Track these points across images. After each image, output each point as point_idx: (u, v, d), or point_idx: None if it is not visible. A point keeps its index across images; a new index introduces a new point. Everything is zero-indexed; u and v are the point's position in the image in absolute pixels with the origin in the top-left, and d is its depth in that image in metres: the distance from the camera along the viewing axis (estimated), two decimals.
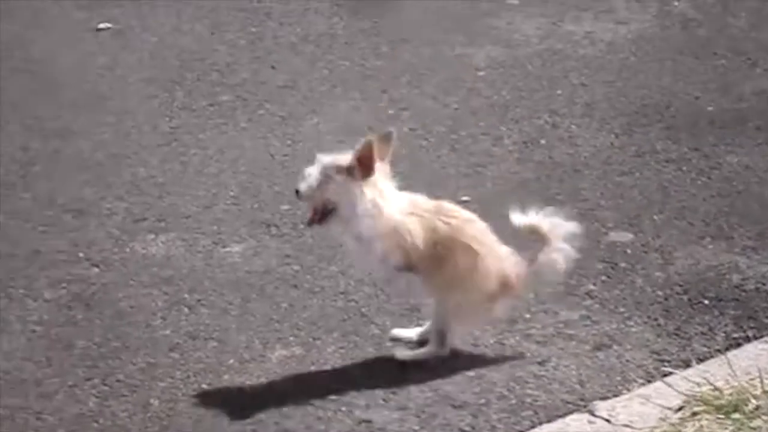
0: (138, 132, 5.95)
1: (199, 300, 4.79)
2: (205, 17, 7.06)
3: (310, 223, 4.48)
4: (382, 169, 4.40)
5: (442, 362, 4.42)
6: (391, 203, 4.40)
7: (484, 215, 5.26)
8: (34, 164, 5.64)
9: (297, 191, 4.43)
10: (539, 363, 4.43)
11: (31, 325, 4.62)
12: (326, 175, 4.38)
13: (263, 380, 4.37)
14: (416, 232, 4.38)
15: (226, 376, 4.39)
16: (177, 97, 6.25)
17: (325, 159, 4.41)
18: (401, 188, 4.48)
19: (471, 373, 4.38)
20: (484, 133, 5.92)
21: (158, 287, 4.85)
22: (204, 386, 4.34)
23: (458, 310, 4.41)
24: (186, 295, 4.81)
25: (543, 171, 5.60)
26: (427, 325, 4.52)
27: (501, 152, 5.77)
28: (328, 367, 4.43)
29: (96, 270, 4.96)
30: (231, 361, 4.46)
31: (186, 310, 4.73)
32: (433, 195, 5.37)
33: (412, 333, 4.55)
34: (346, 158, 4.38)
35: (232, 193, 5.48)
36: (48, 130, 5.96)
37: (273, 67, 6.55)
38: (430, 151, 5.79)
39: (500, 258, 4.42)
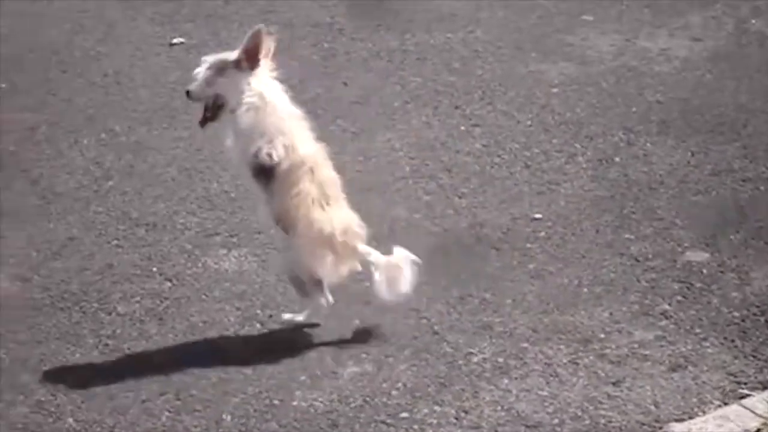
0: (210, 147, 5.96)
1: (271, 315, 4.78)
2: (278, 33, 7.04)
3: (203, 122, 4.61)
4: (267, 65, 4.57)
5: (515, 380, 4.39)
6: (278, 101, 4.56)
7: (558, 233, 5.26)
8: (108, 178, 5.67)
9: (187, 92, 4.59)
10: (614, 383, 4.38)
11: (104, 339, 4.64)
12: (214, 70, 4.53)
13: (335, 397, 4.35)
14: (297, 141, 4.50)
15: (298, 392, 4.38)
16: None
17: (211, 58, 4.58)
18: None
19: (544, 393, 4.34)
20: (557, 150, 5.88)
21: (230, 302, 4.85)
22: (276, 402, 4.33)
23: (298, 250, 4.50)
24: (258, 311, 4.81)
25: (617, 189, 5.55)
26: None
27: (575, 169, 5.72)
28: (399, 385, 4.40)
29: (169, 284, 4.97)
30: (303, 377, 4.45)
31: (258, 325, 4.73)
32: (507, 212, 5.39)
33: (301, 317, 4.69)
34: (232, 54, 4.56)
35: None
36: (121, 145, 5.99)
37: (345, 83, 6.55)
38: (503, 168, 5.76)
39: (346, 216, 4.56)
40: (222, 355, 4.55)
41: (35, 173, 5.74)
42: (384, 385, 4.40)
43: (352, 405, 4.31)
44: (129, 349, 4.59)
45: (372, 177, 5.71)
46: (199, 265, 5.09)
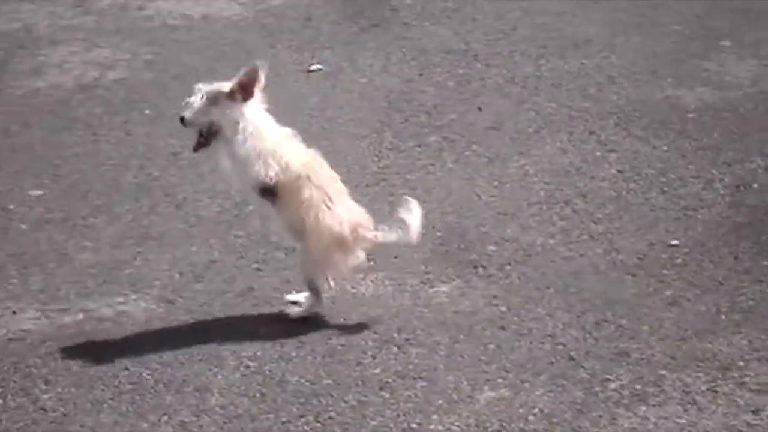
0: (347, 172, 6.02)
1: (407, 339, 4.84)
2: (413, 59, 7.15)
3: (197, 148, 4.92)
4: (259, 97, 4.89)
5: (653, 408, 4.38)
6: (270, 126, 4.90)
7: (695, 260, 5.23)
8: (248, 203, 5.77)
9: (182, 119, 4.86)
10: (753, 412, 4.35)
11: (245, 360, 4.74)
12: (209, 99, 4.83)
13: (472, 421, 4.38)
14: (290, 157, 4.85)
15: (435, 416, 4.42)
16: (385, 138, 6.35)
17: (205, 87, 4.87)
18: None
19: (682, 421, 4.32)
20: (694, 176, 5.85)
21: (368, 326, 4.92)
22: (413, 426, 4.38)
23: (313, 254, 4.82)
24: (395, 335, 4.86)
25: (756, 216, 5.50)
26: None
27: (712, 195, 5.69)
28: (536, 411, 4.42)
29: None
30: (440, 401, 4.49)
31: (395, 349, 4.79)
32: (643, 238, 5.38)
33: (302, 297, 4.95)
34: (226, 84, 4.85)
35: (439, 234, 5.52)
36: None
37: (480, 109, 6.60)
38: (639, 194, 5.74)
39: (351, 209, 4.88)
40: (360, 378, 4.62)
41: (179, 198, 5.89)
42: (521, 410, 4.43)
43: (489, 430, 4.34)
44: (269, 370, 4.68)
45: (506, 202, 5.74)
46: (337, 288, 5.16)
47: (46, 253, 5.44)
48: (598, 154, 6.11)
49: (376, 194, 5.85)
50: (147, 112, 6.69)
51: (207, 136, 4.88)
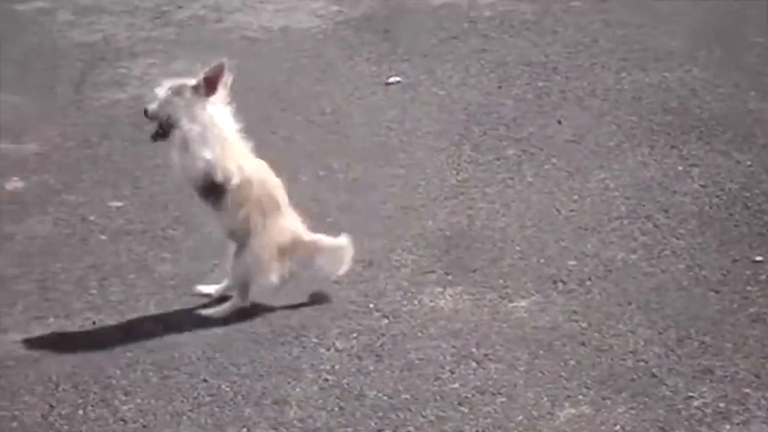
0: (426, 184, 6.03)
1: (486, 354, 4.80)
2: (492, 72, 7.12)
3: (154, 138, 5.05)
4: (223, 95, 5.01)
5: (737, 426, 4.30)
6: (228, 123, 5.02)
7: None
8: (326, 215, 5.77)
9: (145, 110, 5.02)
10: None
11: (323, 374, 4.72)
12: (173, 91, 4.98)
13: None
14: (243, 160, 5.01)
15: None
16: (464, 151, 6.31)
17: (171, 81, 5.03)
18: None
19: None
20: None
21: (446, 340, 4.89)
22: None
23: (256, 260, 4.99)
24: (474, 349, 4.83)
25: None
26: (225, 282, 5.13)
27: None
28: (618, 428, 4.36)
29: (386, 321, 5.03)
30: (519, 417, 4.44)
31: (474, 364, 4.75)
32: (726, 254, 5.30)
33: (212, 289, 5.16)
34: (191, 80, 4.99)
35: (518, 248, 5.48)
36: (339, 182, 6.11)
37: (559, 122, 6.55)
38: (722, 209, 5.66)
39: (293, 219, 5.09)
40: (438, 393, 4.58)
41: None
42: (602, 428, 4.37)
43: None
44: (347, 384, 4.66)
45: (587, 217, 5.69)
46: (415, 302, 5.14)
47: (126, 264, 5.47)
48: (680, 168, 6.03)
49: (455, 207, 5.82)
50: None
51: (166, 128, 5.01)
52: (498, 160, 6.22)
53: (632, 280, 5.19)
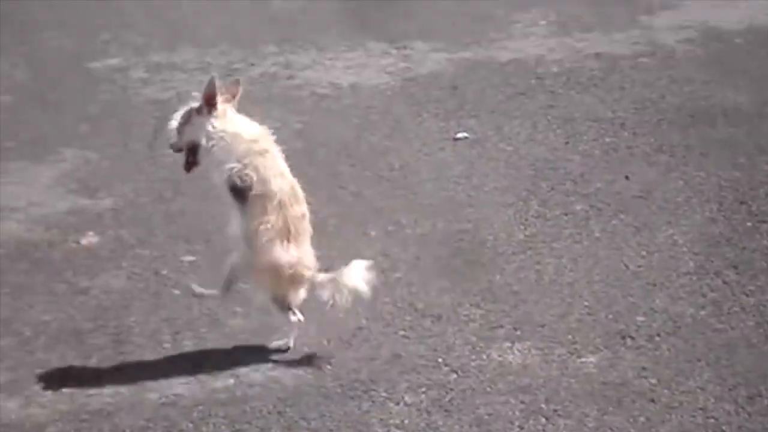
0: (494, 239, 6.07)
1: (555, 410, 4.81)
2: (559, 127, 7.15)
3: (188, 167, 5.26)
4: (232, 106, 5.22)
5: None
6: (244, 128, 5.19)
7: None
8: (395, 270, 5.82)
9: (171, 146, 5.28)
10: None
11: (393, 428, 4.75)
12: (183, 120, 5.20)
13: None
14: (273, 175, 5.14)
15: None
16: (531, 206, 6.35)
17: (179, 113, 5.25)
18: None
19: None
20: None
21: (515, 395, 4.90)
22: None
23: (246, 265, 5.17)
24: (543, 405, 4.84)
25: None
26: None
27: None
28: None
29: (454, 376, 5.06)
30: None
31: (543, 420, 4.76)
32: None
33: (207, 291, 5.37)
34: (195, 104, 5.20)
35: (586, 303, 5.50)
36: (407, 237, 6.15)
37: (627, 177, 6.56)
38: None
39: (305, 251, 5.18)
40: None
41: (326, 264, 5.94)
42: None
43: None
44: None
45: (655, 272, 5.69)
46: (484, 357, 5.17)
47: (198, 318, 5.54)
48: (749, 224, 6.03)
49: (523, 262, 5.85)
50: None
51: (193, 155, 5.21)
52: (566, 215, 6.25)
53: (701, 336, 5.19)
